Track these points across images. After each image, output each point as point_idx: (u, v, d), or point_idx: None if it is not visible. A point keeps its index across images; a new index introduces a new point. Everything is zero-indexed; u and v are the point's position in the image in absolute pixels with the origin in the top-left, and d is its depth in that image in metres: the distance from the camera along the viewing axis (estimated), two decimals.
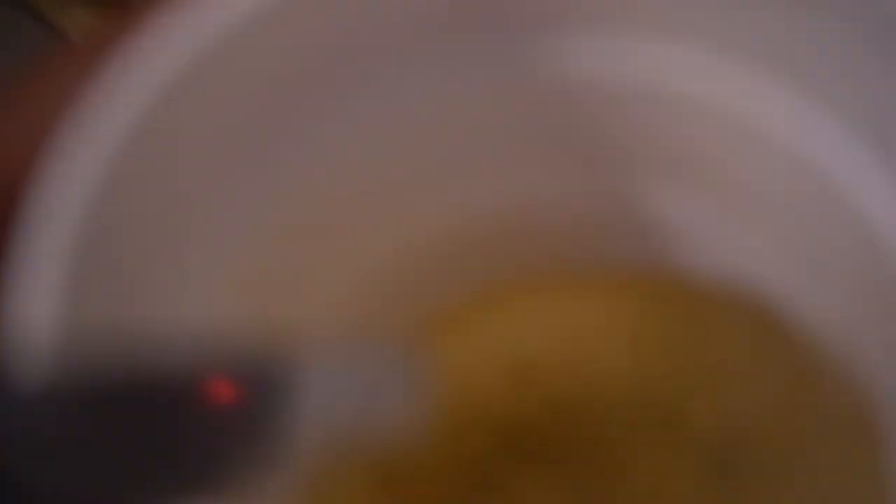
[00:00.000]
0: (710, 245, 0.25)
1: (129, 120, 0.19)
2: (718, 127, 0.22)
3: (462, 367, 0.25)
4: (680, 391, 0.25)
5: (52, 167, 0.19)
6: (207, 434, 0.18)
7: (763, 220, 0.23)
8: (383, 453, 0.24)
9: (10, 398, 0.17)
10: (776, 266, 0.24)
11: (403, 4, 0.21)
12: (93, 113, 0.19)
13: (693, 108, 0.22)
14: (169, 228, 0.21)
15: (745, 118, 0.22)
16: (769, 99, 0.22)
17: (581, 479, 0.24)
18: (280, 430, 0.18)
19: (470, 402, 0.25)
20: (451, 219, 0.25)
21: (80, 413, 0.17)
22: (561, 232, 0.25)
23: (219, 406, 0.18)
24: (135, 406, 0.18)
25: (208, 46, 0.20)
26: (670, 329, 0.25)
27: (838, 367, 0.23)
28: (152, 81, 0.20)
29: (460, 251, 0.25)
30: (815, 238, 0.23)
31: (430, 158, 0.24)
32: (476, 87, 0.23)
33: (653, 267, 0.25)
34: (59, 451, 0.17)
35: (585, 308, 0.26)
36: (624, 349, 0.25)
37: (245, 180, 0.22)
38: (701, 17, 0.21)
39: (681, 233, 0.25)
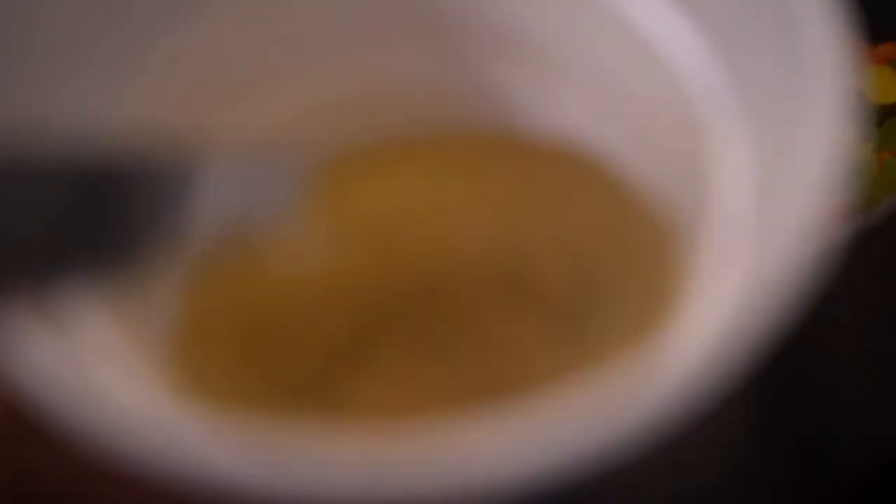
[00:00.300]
0: (542, 109, 0.26)
1: None
2: None
3: (325, 241, 0.26)
4: (525, 258, 0.26)
5: None
6: (107, 216, 0.20)
7: (585, 82, 0.25)
8: (260, 251, 0.25)
9: None
10: (599, 123, 0.25)
11: None
12: None
13: None
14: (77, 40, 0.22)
15: None
16: None
17: (442, 351, 0.25)
18: (176, 217, 0.20)
19: (335, 278, 0.26)
20: (308, 94, 0.26)
21: None
22: (405, 103, 0.26)
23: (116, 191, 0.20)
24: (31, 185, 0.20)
25: None
26: (515, 194, 0.26)
27: (654, 203, 0.25)
28: None
29: (314, 126, 0.26)
30: (628, 94, 0.24)
31: (284, 39, 0.25)
32: None
33: (494, 133, 0.27)
34: None
35: (439, 179, 0.27)
36: (474, 217, 0.26)
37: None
38: None
39: (516, 99, 0.26)
